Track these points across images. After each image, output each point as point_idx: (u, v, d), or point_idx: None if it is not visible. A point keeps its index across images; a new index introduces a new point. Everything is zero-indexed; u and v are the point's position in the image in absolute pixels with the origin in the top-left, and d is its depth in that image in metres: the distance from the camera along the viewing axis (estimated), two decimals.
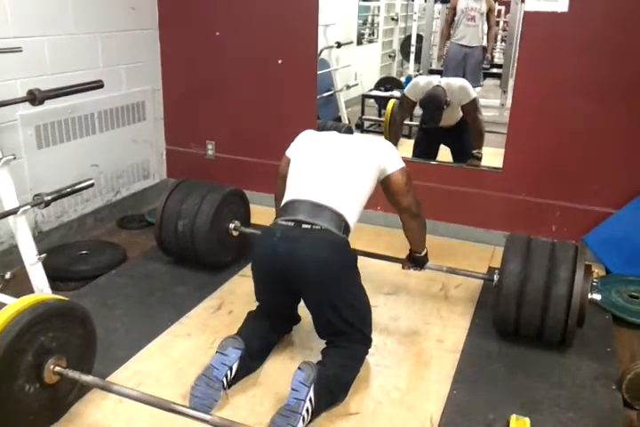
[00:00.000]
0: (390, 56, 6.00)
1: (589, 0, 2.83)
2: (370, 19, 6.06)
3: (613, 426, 2.02)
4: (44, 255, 2.45)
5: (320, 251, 2.03)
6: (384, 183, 2.27)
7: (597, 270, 2.91)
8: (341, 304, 2.09)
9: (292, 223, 2.06)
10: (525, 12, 2.95)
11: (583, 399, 2.14)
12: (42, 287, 2.45)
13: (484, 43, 5.18)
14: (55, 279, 2.67)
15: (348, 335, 2.13)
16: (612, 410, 2.09)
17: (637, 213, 3.01)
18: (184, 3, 3.64)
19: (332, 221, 2.07)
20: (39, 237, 3.00)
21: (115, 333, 2.38)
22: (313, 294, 2.11)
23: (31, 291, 2.39)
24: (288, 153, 2.36)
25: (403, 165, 2.26)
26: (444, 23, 5.18)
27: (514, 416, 1.49)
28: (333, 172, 2.18)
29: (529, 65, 3.06)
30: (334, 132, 2.39)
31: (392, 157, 2.26)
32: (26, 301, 1.81)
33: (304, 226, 2.05)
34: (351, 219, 2.13)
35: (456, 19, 4.88)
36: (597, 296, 2.31)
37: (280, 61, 3.49)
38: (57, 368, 1.82)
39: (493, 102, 4.96)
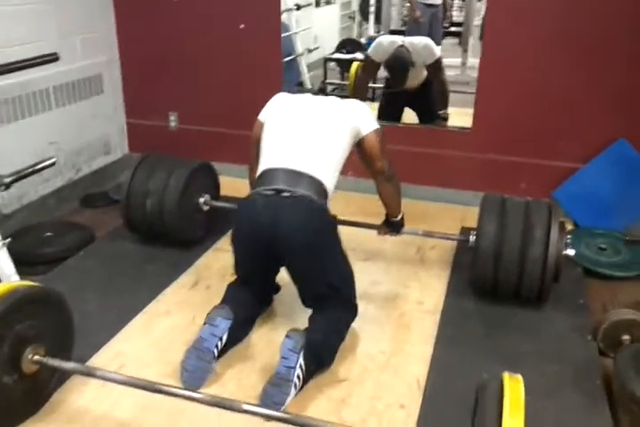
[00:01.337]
0: (350, 17, 5.87)
1: None
2: None
3: (591, 374, 2.08)
4: (8, 240, 2.35)
5: (302, 218, 2.01)
6: (359, 145, 2.24)
7: (567, 225, 2.95)
8: (325, 269, 2.10)
9: (272, 192, 2.03)
10: None
11: (561, 351, 2.20)
12: (9, 273, 2.36)
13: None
14: (21, 264, 2.56)
15: (332, 300, 2.14)
16: (588, 360, 2.16)
17: (603, 167, 3.06)
18: None
19: (311, 187, 2.05)
20: (0, 220, 2.89)
21: (90, 316, 2.31)
22: (297, 261, 2.10)
23: None
24: (261, 117, 2.30)
25: (377, 126, 2.23)
26: None
27: (506, 374, 1.51)
28: (308, 136, 2.14)
29: (496, 23, 3.05)
30: (308, 94, 2.34)
31: (366, 118, 2.23)
32: None
33: (284, 194, 2.02)
34: (329, 184, 2.11)
35: None
36: (571, 252, 2.35)
37: (242, 26, 3.38)
38: (35, 357, 1.77)
39: (454, 62, 4.92)
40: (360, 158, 2.29)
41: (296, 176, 2.05)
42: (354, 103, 2.27)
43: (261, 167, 2.15)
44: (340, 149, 2.16)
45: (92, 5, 3.42)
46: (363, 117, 2.22)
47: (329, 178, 2.11)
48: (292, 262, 2.12)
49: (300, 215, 2.01)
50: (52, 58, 2.80)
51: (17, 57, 2.72)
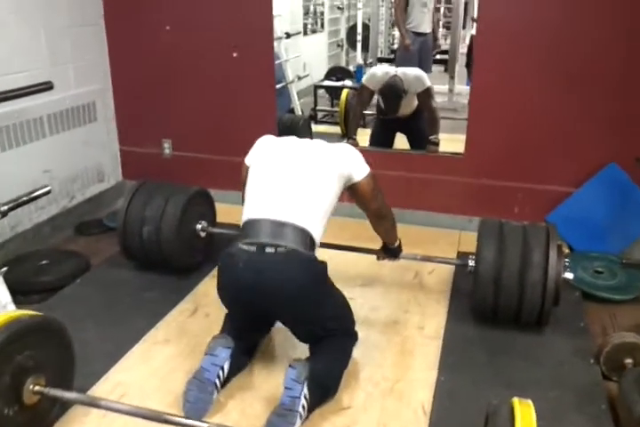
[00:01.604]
0: (338, 45, 5.99)
1: None
2: (312, 8, 6.02)
3: (595, 398, 2.07)
4: (4, 269, 2.32)
5: (288, 275, 1.94)
6: (351, 190, 2.17)
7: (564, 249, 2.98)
8: (320, 318, 2.07)
9: (254, 248, 1.95)
10: None
11: (564, 375, 2.20)
12: (4, 303, 2.32)
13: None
14: (16, 293, 2.53)
15: (332, 337, 2.12)
16: (592, 383, 2.16)
17: (595, 191, 3.10)
18: None
19: (297, 238, 1.96)
20: None
21: (88, 345, 2.26)
22: (288, 317, 2.09)
23: None
24: (247, 160, 2.23)
25: (368, 170, 2.16)
26: (396, 10, 5.13)
27: (516, 399, 1.51)
28: (294, 184, 2.06)
29: (486, 49, 3.10)
30: (294, 138, 2.25)
31: (357, 163, 2.15)
32: None
33: (268, 250, 1.93)
34: (316, 232, 2.03)
35: (409, 5, 4.81)
36: (570, 275, 2.36)
37: (235, 54, 3.42)
38: (36, 388, 1.74)
39: (441, 88, 5.01)
40: (353, 200, 2.23)
41: (280, 227, 1.97)
42: (343, 148, 2.19)
43: (245, 217, 2.07)
44: (328, 197, 2.07)
45: (85, 34, 3.44)
46: (354, 163, 2.14)
47: (316, 227, 2.03)
48: (282, 318, 2.11)
49: (284, 273, 1.94)
50: (46, 86, 2.82)
51: (11, 86, 2.73)
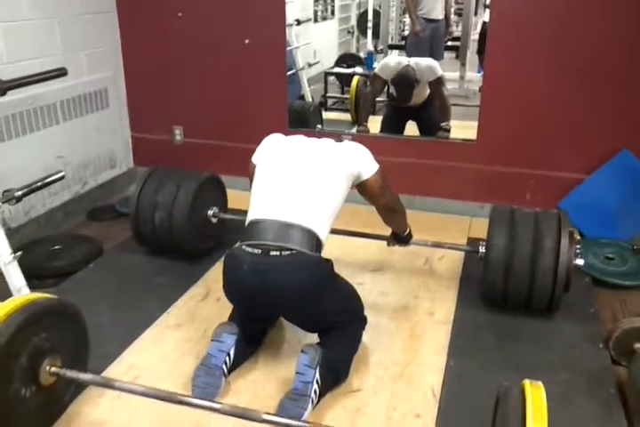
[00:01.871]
0: (349, 32, 5.94)
1: None
2: None
3: (605, 383, 2.08)
4: (19, 253, 2.36)
5: (293, 278, 1.93)
6: (360, 187, 2.17)
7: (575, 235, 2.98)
8: (327, 313, 2.07)
9: (259, 250, 1.92)
10: None
11: (574, 360, 2.21)
12: (19, 287, 2.36)
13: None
14: (30, 277, 2.56)
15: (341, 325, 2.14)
16: (601, 368, 2.17)
17: (607, 177, 3.09)
18: None
19: (303, 239, 1.94)
20: (8, 234, 2.86)
21: (102, 328, 2.30)
22: (295, 316, 2.12)
23: (7, 291, 2.30)
24: (253, 158, 2.23)
25: (377, 166, 2.15)
26: None
27: (527, 381, 1.52)
28: (301, 184, 2.03)
29: (498, 37, 3.08)
30: (301, 136, 2.22)
31: (366, 161, 2.14)
32: (14, 302, 1.74)
33: (272, 253, 1.91)
34: (323, 233, 2.00)
35: None
36: (580, 262, 2.36)
37: (247, 41, 3.41)
38: (53, 369, 1.77)
39: (452, 75, 4.98)
40: (362, 196, 2.22)
41: (286, 228, 1.94)
42: (351, 147, 2.17)
43: (250, 217, 2.05)
44: (335, 197, 2.05)
45: (98, 21, 3.45)
46: (362, 161, 2.13)
47: (322, 227, 2.01)
48: (289, 317, 2.15)
49: (289, 276, 1.93)
50: (60, 72, 2.81)
51: (25, 72, 2.74)
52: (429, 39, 4.83)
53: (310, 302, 1.99)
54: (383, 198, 2.22)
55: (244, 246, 1.97)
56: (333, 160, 2.09)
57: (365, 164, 2.14)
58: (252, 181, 2.20)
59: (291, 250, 1.92)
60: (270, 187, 2.08)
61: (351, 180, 2.11)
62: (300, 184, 2.04)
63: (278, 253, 1.92)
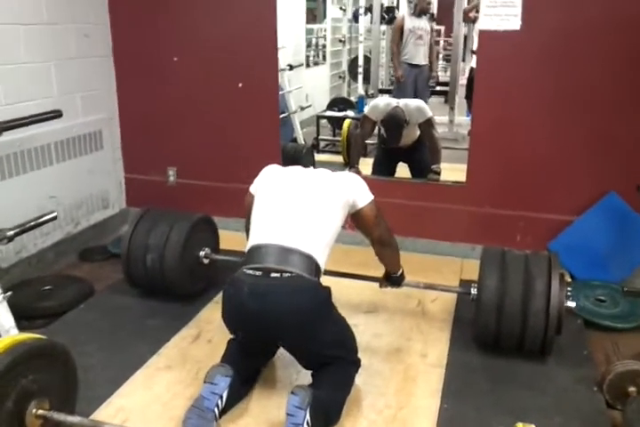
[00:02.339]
0: (340, 77, 6.11)
1: (539, 19, 2.96)
2: (314, 41, 6.16)
3: None
4: (9, 293, 2.34)
5: (292, 300, 1.96)
6: (354, 217, 2.22)
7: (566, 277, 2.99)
8: (323, 344, 2.07)
9: (260, 273, 1.98)
10: (480, 31, 3.05)
11: (568, 403, 2.19)
12: (8, 328, 2.33)
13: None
14: (20, 318, 2.54)
15: (334, 364, 2.12)
16: (596, 412, 2.15)
17: (596, 220, 3.13)
18: (138, 30, 3.59)
19: (302, 264, 1.99)
20: None
21: (91, 370, 2.27)
22: (292, 341, 2.10)
23: None
24: (251, 189, 2.30)
25: (372, 197, 2.21)
26: (392, 43, 5.31)
27: (520, 424, 1.50)
28: (299, 211, 2.10)
29: (486, 81, 3.17)
30: (298, 167, 2.31)
31: (361, 190, 2.21)
32: (3, 342, 1.73)
33: (273, 275, 1.96)
34: (321, 259, 2.06)
35: (404, 38, 5.00)
36: (572, 304, 2.36)
37: (240, 85, 3.49)
38: (40, 411, 1.74)
39: (442, 119, 5.11)
40: (356, 227, 2.27)
41: (286, 253, 2.00)
42: (347, 176, 2.25)
43: (250, 243, 2.10)
44: (333, 224, 2.12)
45: (93, 64, 3.52)
46: (357, 190, 2.20)
47: (321, 253, 2.06)
48: (286, 343, 2.12)
49: (289, 298, 1.96)
50: (55, 114, 2.86)
51: (21, 114, 2.78)
52: (413, 83, 5.02)
53: (308, 327, 2.00)
54: (377, 229, 2.26)
55: (245, 269, 2.02)
56: (330, 188, 2.17)
57: (361, 193, 2.21)
58: (248, 212, 2.25)
59: (291, 273, 1.96)
60: (270, 213, 2.14)
61: (347, 208, 2.17)
62: (298, 211, 2.10)
63: (279, 274, 1.96)
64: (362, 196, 2.20)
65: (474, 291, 2.46)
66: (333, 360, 2.11)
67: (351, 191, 2.19)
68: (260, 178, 2.31)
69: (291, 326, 1.99)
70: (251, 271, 2.00)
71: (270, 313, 1.95)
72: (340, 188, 2.17)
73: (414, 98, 4.60)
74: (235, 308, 2.06)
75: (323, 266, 2.09)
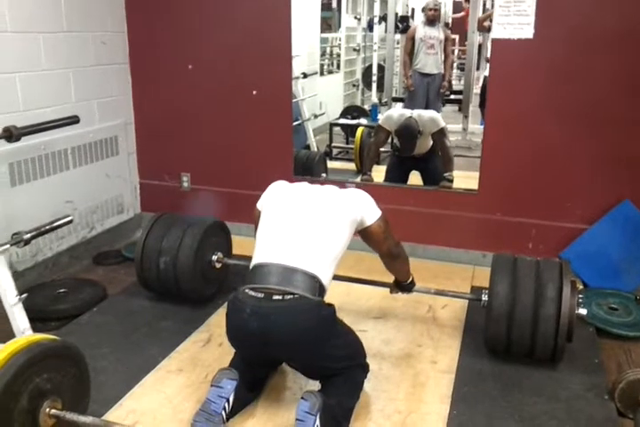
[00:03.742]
0: (354, 85, 6.13)
1: (552, 28, 2.97)
2: (329, 50, 6.20)
3: None
4: (24, 295, 2.38)
5: (294, 322, 1.94)
6: (363, 233, 2.21)
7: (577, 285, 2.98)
8: (329, 361, 2.07)
9: (262, 295, 1.95)
10: (493, 40, 3.07)
11: (578, 411, 2.17)
12: (23, 329, 2.37)
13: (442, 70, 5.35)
14: (34, 320, 2.57)
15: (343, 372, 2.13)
16: (607, 420, 2.13)
17: (609, 228, 3.11)
18: (154, 38, 3.66)
19: (306, 284, 1.97)
20: (14, 277, 2.87)
21: (103, 372, 2.31)
22: (297, 362, 2.11)
23: (10, 333, 2.31)
24: (258, 205, 2.28)
25: (380, 213, 2.20)
26: (403, 52, 5.33)
27: None
28: (304, 230, 2.07)
29: (499, 90, 3.17)
30: (305, 184, 2.29)
31: (369, 207, 2.19)
32: (18, 342, 1.76)
33: (275, 297, 1.94)
34: (326, 278, 2.03)
35: (415, 47, 5.03)
36: (583, 311, 2.35)
37: (255, 92, 3.53)
38: (53, 411, 1.76)
39: (455, 127, 5.11)
40: (365, 242, 2.26)
41: (289, 272, 1.98)
42: (355, 193, 2.22)
43: (254, 261, 2.08)
44: (339, 243, 2.09)
45: (110, 71, 3.58)
46: (365, 208, 2.18)
47: (325, 273, 2.03)
48: (292, 362, 2.13)
49: (291, 321, 1.94)
50: (73, 120, 2.92)
51: (39, 119, 2.84)
52: (424, 92, 5.03)
53: (312, 346, 1.99)
54: (386, 244, 2.25)
55: (247, 290, 2.00)
56: (337, 206, 2.14)
57: (368, 210, 2.18)
58: (256, 226, 2.24)
59: (293, 294, 1.94)
60: (275, 232, 2.12)
61: (354, 226, 2.15)
62: (304, 230, 2.08)
63: (281, 297, 1.94)
64: (370, 213, 2.18)
65: (484, 297, 2.46)
66: (343, 371, 2.10)
67: (359, 209, 2.16)
68: (266, 194, 2.29)
69: (293, 347, 1.98)
70: (253, 293, 1.98)
71: (272, 334, 1.94)
72: (347, 206, 2.15)
73: (426, 106, 4.62)
74: (237, 328, 2.05)
75: (328, 285, 2.05)
